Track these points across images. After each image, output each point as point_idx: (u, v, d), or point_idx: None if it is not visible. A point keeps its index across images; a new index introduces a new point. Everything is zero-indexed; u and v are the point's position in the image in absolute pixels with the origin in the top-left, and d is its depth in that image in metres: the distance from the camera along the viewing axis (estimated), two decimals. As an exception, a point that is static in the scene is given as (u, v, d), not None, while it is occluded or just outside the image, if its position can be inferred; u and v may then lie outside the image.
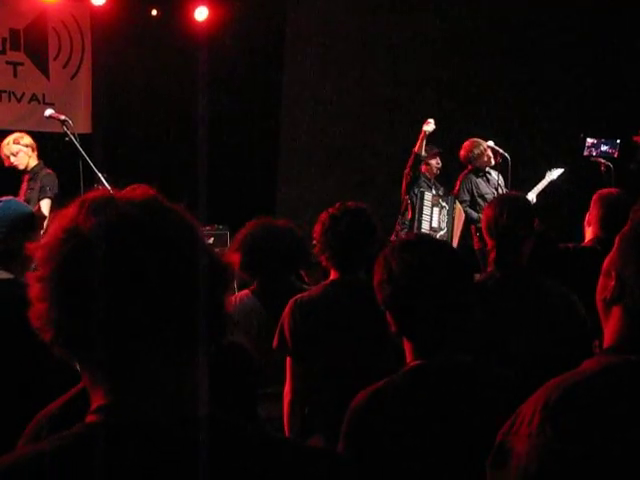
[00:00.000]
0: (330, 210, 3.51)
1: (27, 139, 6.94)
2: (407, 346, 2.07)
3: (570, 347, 3.10)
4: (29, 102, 9.08)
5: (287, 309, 3.45)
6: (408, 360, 2.06)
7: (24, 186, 6.80)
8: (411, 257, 2.02)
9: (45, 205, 6.66)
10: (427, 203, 7.66)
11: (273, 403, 3.50)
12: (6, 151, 6.82)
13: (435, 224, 7.71)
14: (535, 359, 3.02)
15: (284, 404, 3.48)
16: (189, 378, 1.15)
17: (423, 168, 7.71)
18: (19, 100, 9.05)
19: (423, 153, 7.57)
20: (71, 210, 1.15)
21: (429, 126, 7.45)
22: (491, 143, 7.55)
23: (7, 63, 8.97)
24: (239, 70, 9.54)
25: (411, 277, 1.99)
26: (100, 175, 5.25)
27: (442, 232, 7.69)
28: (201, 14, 9.36)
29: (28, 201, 6.49)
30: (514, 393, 1.61)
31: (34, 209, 6.23)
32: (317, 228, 3.50)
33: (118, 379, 1.13)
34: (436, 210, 7.72)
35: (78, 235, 1.11)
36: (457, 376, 1.99)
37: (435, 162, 7.84)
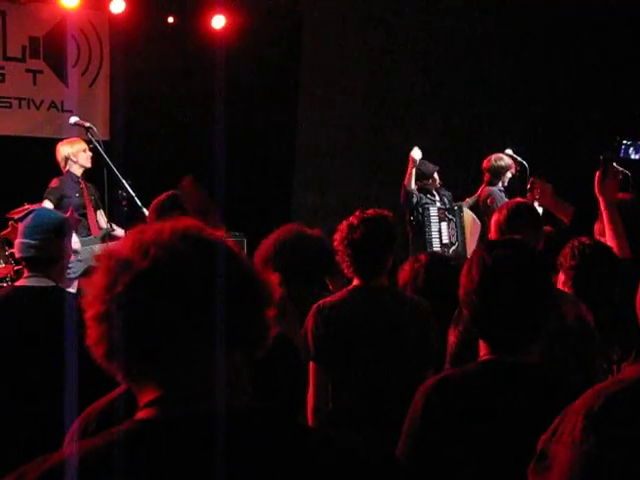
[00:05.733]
0: (349, 218, 3.57)
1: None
2: (481, 343, 2.12)
3: (578, 357, 3.12)
4: (48, 109, 9.16)
5: (310, 314, 3.51)
6: (481, 355, 2.11)
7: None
8: (491, 257, 2.06)
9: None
10: (433, 219, 7.31)
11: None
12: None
13: (446, 240, 7.36)
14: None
15: (308, 410, 3.52)
16: (233, 376, 1.25)
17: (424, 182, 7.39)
18: (38, 107, 9.11)
19: (413, 186, 7.21)
20: (123, 243, 1.28)
21: (416, 154, 7.13)
22: (509, 151, 7.46)
23: (27, 71, 9.04)
24: (256, 77, 9.59)
25: (488, 277, 2.03)
26: (125, 182, 5.28)
27: (454, 247, 7.36)
28: (218, 22, 9.43)
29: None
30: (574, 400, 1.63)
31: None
32: (337, 236, 3.57)
33: (169, 376, 1.22)
34: (444, 225, 7.36)
35: (132, 270, 1.23)
36: (523, 376, 2.03)
37: (432, 182, 7.45)
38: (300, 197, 10.01)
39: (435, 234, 7.31)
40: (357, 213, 3.58)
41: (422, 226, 7.30)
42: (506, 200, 6.97)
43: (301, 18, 10.09)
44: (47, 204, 6.66)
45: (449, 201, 7.62)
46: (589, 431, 1.46)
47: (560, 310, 3.18)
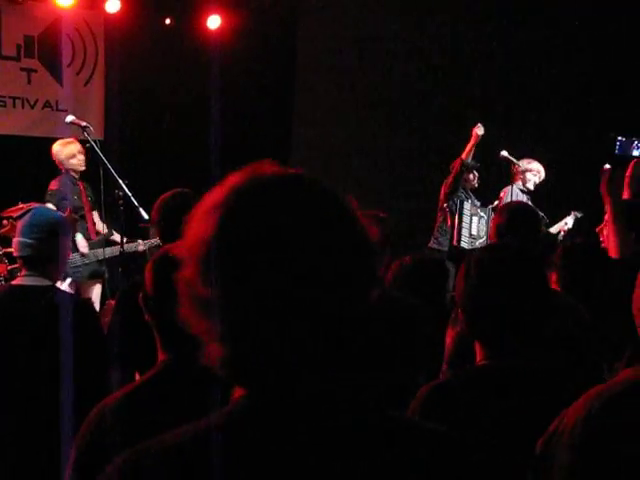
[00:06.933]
0: None
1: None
2: (477, 347, 2.10)
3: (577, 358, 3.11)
4: (42, 109, 9.13)
5: None
6: (478, 360, 2.09)
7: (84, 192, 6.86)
8: (488, 259, 2.05)
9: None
10: (466, 212, 7.61)
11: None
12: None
13: (475, 232, 7.64)
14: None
15: None
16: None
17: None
18: (32, 106, 9.09)
19: (469, 160, 7.45)
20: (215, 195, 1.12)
21: (480, 129, 7.32)
22: (504, 153, 7.45)
23: (21, 70, 9.02)
24: (252, 76, 9.59)
25: (484, 279, 2.02)
26: (121, 182, 5.26)
27: (481, 240, 7.59)
28: (214, 22, 9.43)
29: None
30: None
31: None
32: None
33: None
34: (475, 219, 7.67)
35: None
36: (521, 380, 2.02)
37: (472, 176, 7.77)
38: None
39: (466, 225, 7.60)
40: None
41: (454, 215, 7.61)
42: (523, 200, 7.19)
43: (297, 16, 10.09)
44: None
45: (479, 205, 7.90)
46: (589, 434, 1.46)
47: (558, 313, 3.18)
